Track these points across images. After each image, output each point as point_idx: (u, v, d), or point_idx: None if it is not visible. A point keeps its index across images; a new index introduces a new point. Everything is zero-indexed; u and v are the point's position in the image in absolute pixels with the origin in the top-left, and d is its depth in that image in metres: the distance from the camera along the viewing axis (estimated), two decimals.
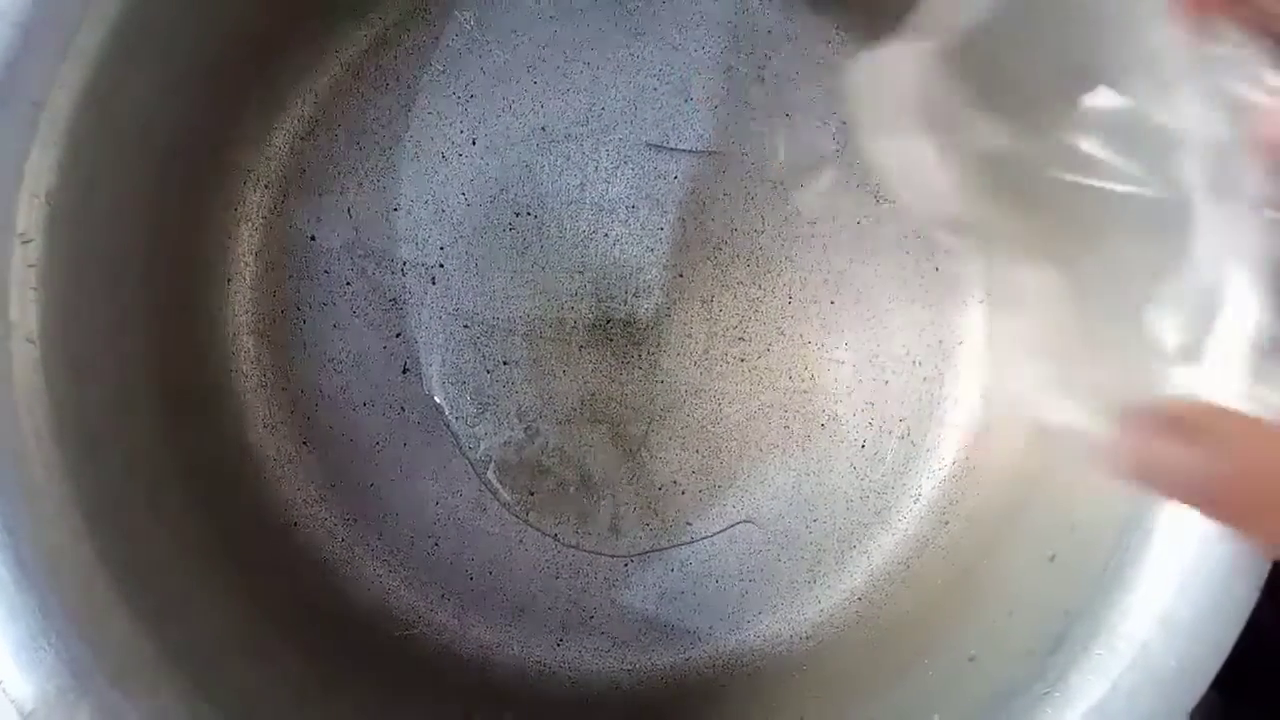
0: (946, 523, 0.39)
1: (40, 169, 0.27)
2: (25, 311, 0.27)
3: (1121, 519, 0.29)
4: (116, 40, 0.28)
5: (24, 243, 0.27)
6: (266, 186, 0.39)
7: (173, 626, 0.29)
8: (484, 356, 0.40)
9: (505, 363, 0.40)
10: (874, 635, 0.38)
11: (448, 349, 0.40)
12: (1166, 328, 0.23)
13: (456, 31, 0.39)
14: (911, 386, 0.40)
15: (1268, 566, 0.27)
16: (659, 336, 0.40)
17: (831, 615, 0.40)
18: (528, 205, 0.40)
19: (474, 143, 0.39)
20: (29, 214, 0.27)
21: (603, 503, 0.40)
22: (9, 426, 0.27)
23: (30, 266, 0.27)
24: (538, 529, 0.40)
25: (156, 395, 0.33)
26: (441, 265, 0.40)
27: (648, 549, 0.40)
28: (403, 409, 0.40)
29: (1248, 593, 0.27)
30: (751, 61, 0.39)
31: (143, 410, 0.33)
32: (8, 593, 0.26)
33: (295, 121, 0.39)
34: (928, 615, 0.37)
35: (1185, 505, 0.21)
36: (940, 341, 0.40)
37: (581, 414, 0.40)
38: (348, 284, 0.39)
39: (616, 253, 0.40)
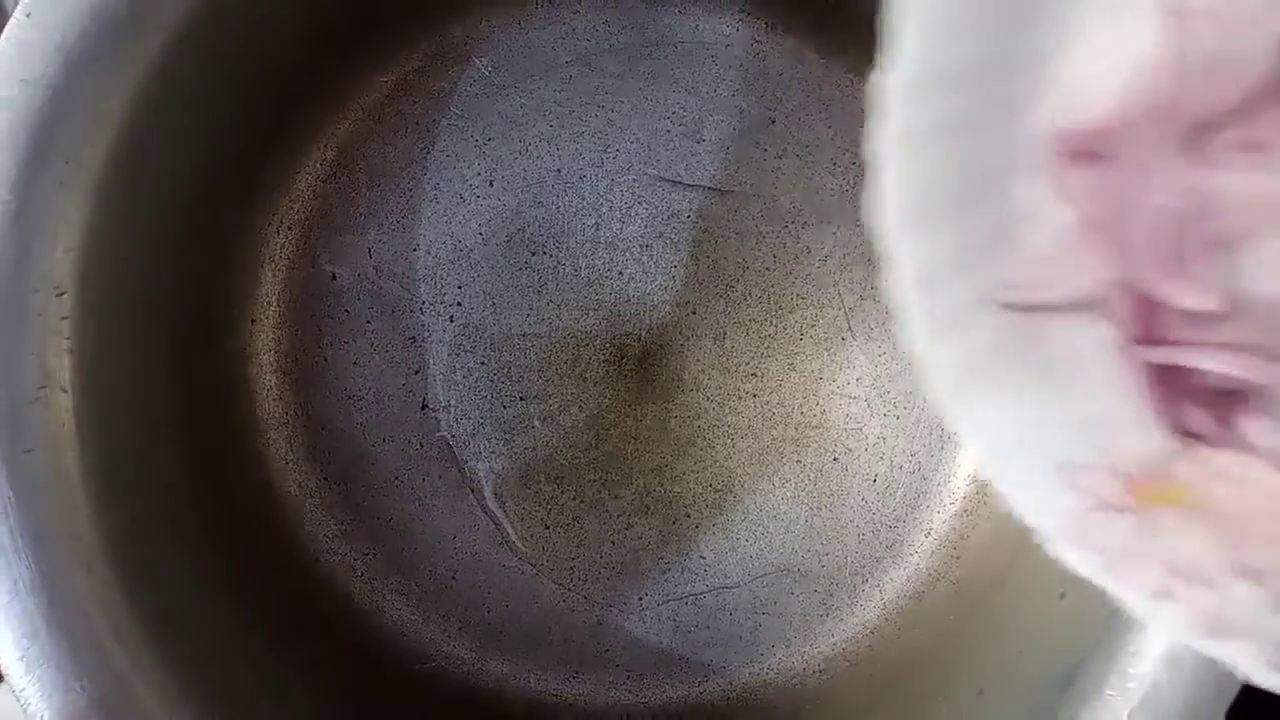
0: (958, 557, 0.40)
1: (73, 223, 0.28)
2: (60, 361, 0.28)
3: None
4: (145, 100, 0.29)
5: (58, 295, 0.28)
6: (290, 228, 0.40)
7: (201, 668, 0.30)
8: (500, 393, 0.40)
9: (521, 399, 0.41)
10: (887, 669, 0.39)
11: (465, 386, 0.40)
12: None
13: (474, 77, 0.40)
14: (923, 421, 0.41)
15: None
16: (673, 373, 0.41)
17: (844, 649, 0.40)
18: (543, 244, 0.40)
19: (491, 184, 0.40)
20: (62, 267, 0.28)
21: (617, 538, 0.41)
22: (44, 475, 0.28)
23: (64, 319, 0.28)
24: (550, 567, 0.40)
25: (183, 436, 0.34)
26: (459, 304, 0.40)
27: (663, 582, 0.41)
28: (421, 445, 0.40)
29: None
30: (763, 104, 0.40)
31: (170, 451, 0.33)
32: (39, 637, 0.27)
33: (318, 165, 0.40)
34: (940, 649, 0.37)
35: None
36: None
37: (596, 449, 0.41)
38: (368, 322, 0.40)
39: (631, 290, 0.41)
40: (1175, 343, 0.21)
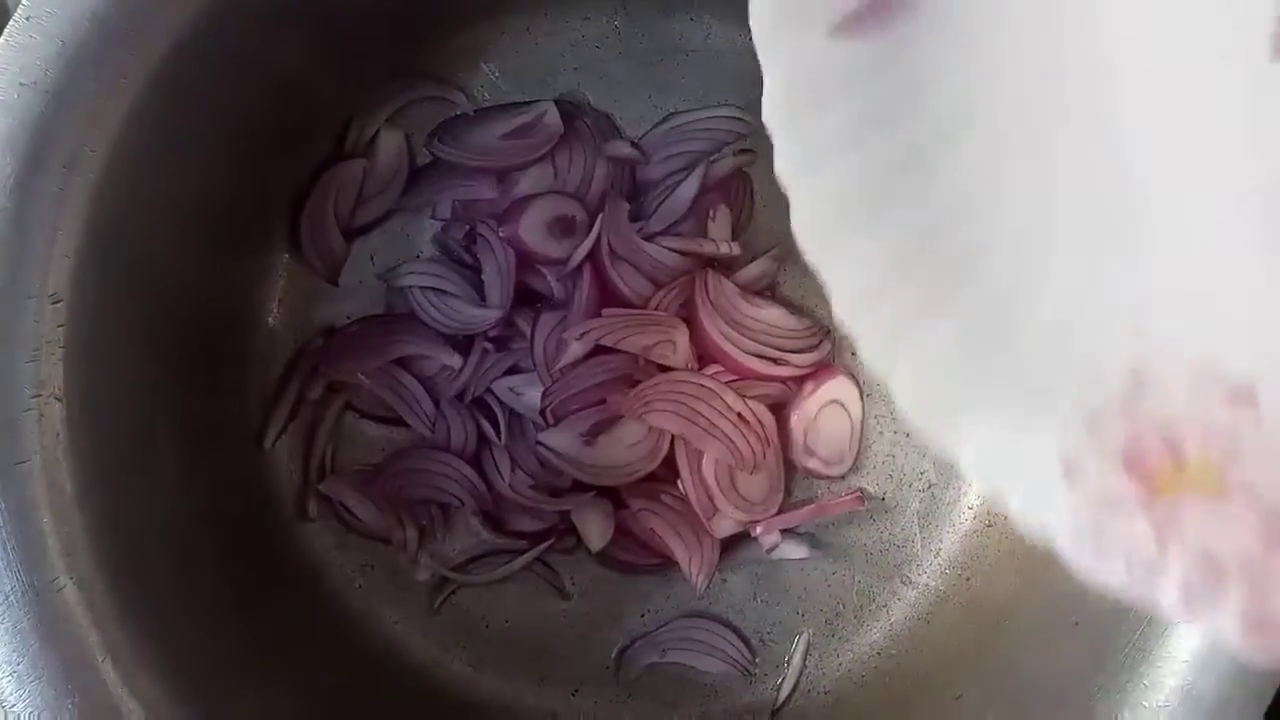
0: (967, 579, 0.39)
1: (71, 229, 0.28)
2: (55, 370, 0.28)
3: None
4: (145, 105, 0.28)
5: (54, 303, 0.28)
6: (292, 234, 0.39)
7: (194, 684, 0.29)
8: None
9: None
10: (893, 693, 0.38)
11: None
12: None
13: (482, 83, 0.39)
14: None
15: None
16: None
17: (850, 670, 0.39)
18: None
19: None
20: (59, 273, 0.28)
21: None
22: (38, 487, 0.27)
23: (59, 326, 0.28)
24: (552, 583, 0.40)
25: (180, 448, 0.33)
26: None
27: (667, 601, 0.40)
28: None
29: (1267, 671, 0.27)
30: None
31: (166, 463, 0.33)
32: (30, 652, 0.27)
33: (321, 170, 0.39)
34: (948, 674, 0.36)
35: None
36: None
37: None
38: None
39: None
40: None
